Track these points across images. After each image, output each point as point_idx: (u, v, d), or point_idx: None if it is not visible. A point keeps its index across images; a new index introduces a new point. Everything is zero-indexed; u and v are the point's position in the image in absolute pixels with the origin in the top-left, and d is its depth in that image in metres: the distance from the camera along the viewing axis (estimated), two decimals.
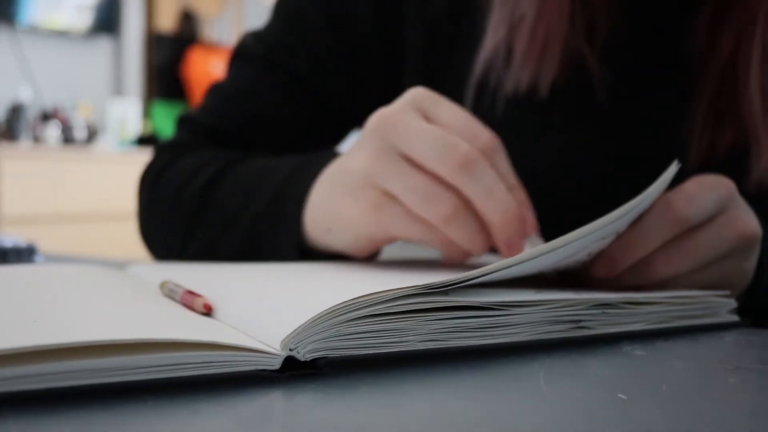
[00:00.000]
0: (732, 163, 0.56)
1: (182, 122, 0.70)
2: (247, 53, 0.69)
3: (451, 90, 0.58)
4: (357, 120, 0.69)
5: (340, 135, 0.72)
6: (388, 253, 0.56)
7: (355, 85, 0.67)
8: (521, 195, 0.47)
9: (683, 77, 0.59)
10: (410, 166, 0.44)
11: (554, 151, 0.60)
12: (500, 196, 0.43)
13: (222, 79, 0.70)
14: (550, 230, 0.56)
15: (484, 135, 0.45)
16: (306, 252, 0.53)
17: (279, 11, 0.70)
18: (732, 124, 0.57)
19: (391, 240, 0.47)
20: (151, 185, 0.66)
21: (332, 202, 0.48)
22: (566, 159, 0.60)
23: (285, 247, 0.53)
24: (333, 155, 0.52)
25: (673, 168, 0.42)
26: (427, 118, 0.45)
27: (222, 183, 0.60)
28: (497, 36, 0.59)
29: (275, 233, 0.54)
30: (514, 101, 0.60)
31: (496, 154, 0.46)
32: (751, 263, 0.46)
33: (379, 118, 0.45)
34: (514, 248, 0.45)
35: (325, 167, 0.51)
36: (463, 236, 0.44)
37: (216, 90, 0.70)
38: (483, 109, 0.61)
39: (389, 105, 0.47)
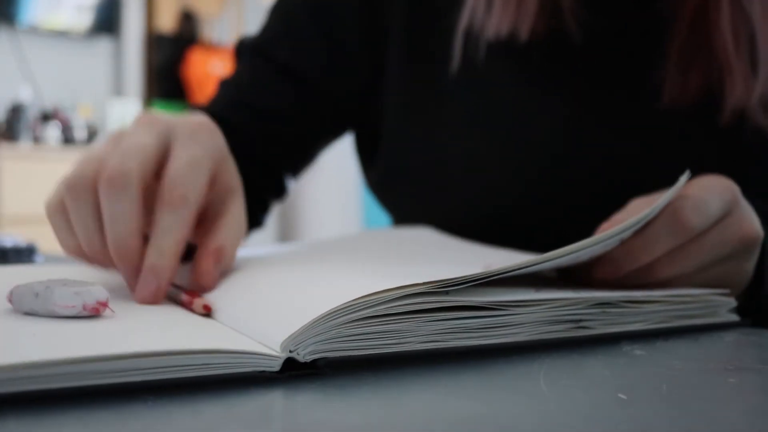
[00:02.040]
0: (703, 101, 0.58)
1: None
2: (243, 49, 0.72)
3: (437, 50, 0.60)
4: (345, 111, 0.70)
5: (335, 126, 0.72)
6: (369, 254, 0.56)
7: (336, 74, 0.68)
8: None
9: (656, 20, 0.61)
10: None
11: (535, 98, 0.62)
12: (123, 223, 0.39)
13: (228, 75, 0.73)
14: (535, 180, 0.60)
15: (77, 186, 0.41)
16: None
17: (274, 12, 0.72)
18: (703, 62, 0.59)
19: None
20: None
21: None
22: (547, 106, 0.62)
23: None
24: None
25: (683, 179, 0.43)
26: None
27: None
28: None
29: None
30: (496, 49, 0.61)
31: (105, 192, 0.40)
32: (751, 264, 0.47)
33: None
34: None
35: None
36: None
37: (222, 84, 0.72)
38: (468, 59, 0.62)
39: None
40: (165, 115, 0.44)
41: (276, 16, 0.71)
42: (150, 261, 0.39)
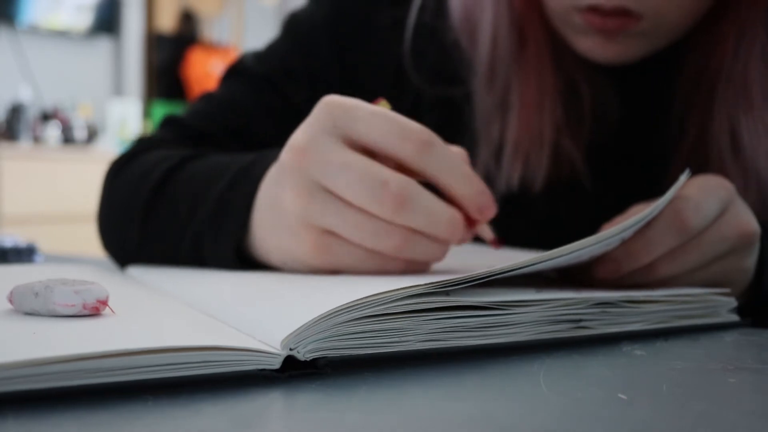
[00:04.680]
0: None
1: (166, 122, 0.68)
2: (246, 70, 0.68)
3: None
4: None
5: None
6: None
7: None
8: (478, 185, 0.43)
9: (661, 156, 0.62)
10: (342, 202, 0.41)
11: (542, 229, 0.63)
12: (441, 214, 0.41)
13: (215, 90, 0.69)
14: None
15: (413, 134, 0.41)
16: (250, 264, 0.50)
17: (288, 32, 0.69)
18: None
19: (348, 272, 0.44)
20: (113, 176, 0.63)
21: (278, 240, 0.45)
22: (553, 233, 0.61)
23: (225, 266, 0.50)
24: (271, 159, 0.48)
25: (683, 178, 0.44)
26: (347, 138, 0.42)
27: (172, 185, 0.56)
28: (490, 146, 0.62)
29: (217, 258, 0.50)
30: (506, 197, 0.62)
31: (430, 150, 0.41)
32: (750, 261, 0.47)
33: (294, 152, 0.42)
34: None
35: (261, 182, 0.47)
36: (421, 255, 0.42)
37: (207, 97, 0.68)
38: None
39: (301, 128, 0.43)
40: None
41: (293, 42, 0.68)
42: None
